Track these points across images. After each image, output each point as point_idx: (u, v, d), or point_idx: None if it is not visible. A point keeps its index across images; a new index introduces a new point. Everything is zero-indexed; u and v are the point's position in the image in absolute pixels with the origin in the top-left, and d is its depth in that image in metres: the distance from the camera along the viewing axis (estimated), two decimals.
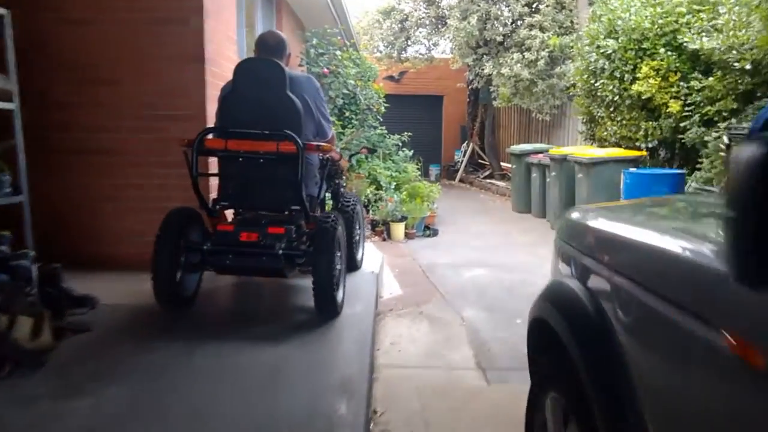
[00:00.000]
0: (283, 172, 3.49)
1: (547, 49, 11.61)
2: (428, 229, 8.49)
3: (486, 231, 8.97)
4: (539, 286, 2.16)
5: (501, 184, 13.87)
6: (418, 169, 10.41)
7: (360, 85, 8.46)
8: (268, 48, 3.71)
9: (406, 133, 10.15)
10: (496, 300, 5.36)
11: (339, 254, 3.59)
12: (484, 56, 13.13)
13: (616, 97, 7.85)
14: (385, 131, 9.86)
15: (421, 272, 6.39)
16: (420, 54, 16.15)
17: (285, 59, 3.74)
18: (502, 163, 14.98)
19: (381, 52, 15.74)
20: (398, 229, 8.10)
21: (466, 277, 6.18)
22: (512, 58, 12.06)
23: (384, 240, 8.06)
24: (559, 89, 11.81)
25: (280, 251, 3.45)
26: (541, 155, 9.78)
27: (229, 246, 3.50)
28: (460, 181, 16.03)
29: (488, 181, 14.68)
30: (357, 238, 4.91)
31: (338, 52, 7.98)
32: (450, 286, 5.82)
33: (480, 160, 16.11)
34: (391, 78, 17.21)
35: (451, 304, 5.18)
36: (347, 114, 8.44)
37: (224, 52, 5.11)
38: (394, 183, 8.86)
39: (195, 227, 3.64)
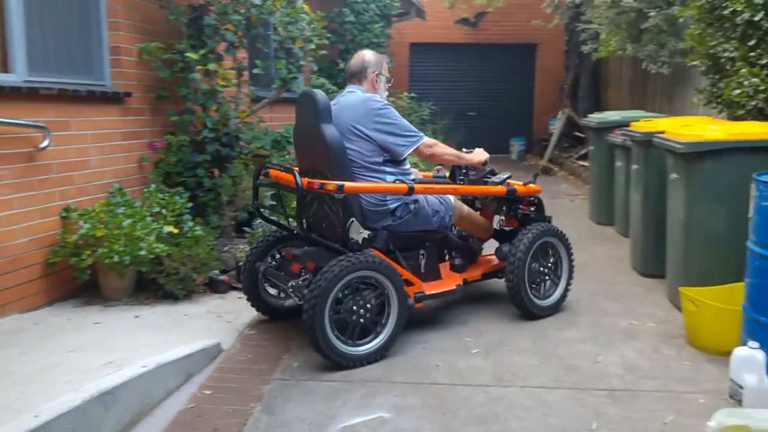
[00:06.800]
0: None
1: None
2: None
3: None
4: None
5: None
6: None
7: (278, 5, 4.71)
8: (349, 74, 3.61)
9: (427, 104, 6.25)
10: None
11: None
12: None
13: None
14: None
15: None
16: None
17: (368, 81, 3.55)
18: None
19: None
20: None
21: None
22: None
23: None
24: (684, 25, 7.41)
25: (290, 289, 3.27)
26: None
27: None
28: (550, 161, 11.83)
29: (582, 163, 10.43)
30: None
31: None
32: None
33: (577, 133, 11.75)
34: (465, 21, 13.13)
35: None
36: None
37: None
38: None
39: None
